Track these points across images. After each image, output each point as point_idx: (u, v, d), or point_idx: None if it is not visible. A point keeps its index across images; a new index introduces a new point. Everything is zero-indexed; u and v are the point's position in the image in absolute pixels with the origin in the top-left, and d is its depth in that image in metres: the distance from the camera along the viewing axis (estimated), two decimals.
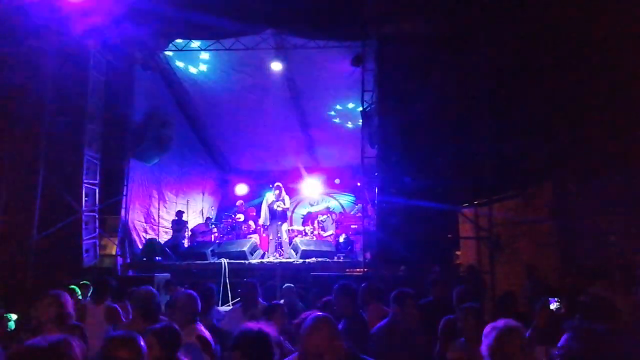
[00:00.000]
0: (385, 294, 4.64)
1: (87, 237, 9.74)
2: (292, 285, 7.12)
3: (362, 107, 9.87)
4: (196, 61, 11.74)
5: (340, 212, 14.52)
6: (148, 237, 11.57)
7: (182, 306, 3.89)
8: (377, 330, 3.97)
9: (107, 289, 5.67)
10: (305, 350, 2.34)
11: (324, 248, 11.13)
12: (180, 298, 4.04)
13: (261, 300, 5.19)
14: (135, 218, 11.44)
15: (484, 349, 2.84)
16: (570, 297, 5.33)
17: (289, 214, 13.09)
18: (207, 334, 3.77)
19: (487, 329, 2.88)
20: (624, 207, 7.13)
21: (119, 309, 5.36)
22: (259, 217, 13.29)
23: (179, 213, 12.47)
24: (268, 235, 12.18)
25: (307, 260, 10.27)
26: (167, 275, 9.16)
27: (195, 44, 10.88)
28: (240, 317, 4.76)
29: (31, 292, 7.93)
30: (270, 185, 12.00)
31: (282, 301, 6.61)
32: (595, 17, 7.29)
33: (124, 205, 10.57)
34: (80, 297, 6.34)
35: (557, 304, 4.35)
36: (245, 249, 10.72)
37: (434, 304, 5.12)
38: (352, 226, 12.88)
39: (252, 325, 2.64)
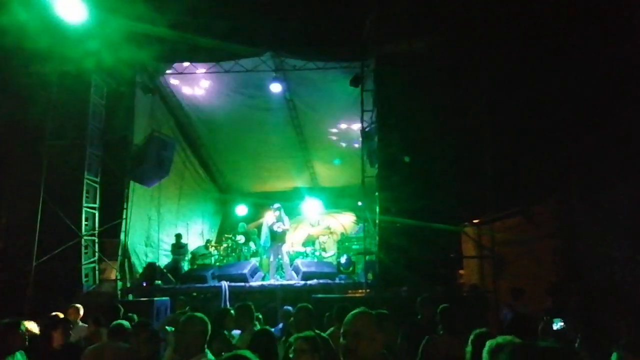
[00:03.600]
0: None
1: (87, 262, 9.68)
2: (290, 308, 7.00)
3: (362, 126, 9.90)
4: (196, 83, 11.82)
5: (342, 233, 14.44)
6: (148, 260, 11.48)
7: (194, 332, 3.48)
8: None
9: (119, 316, 5.75)
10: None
11: (326, 269, 11.02)
12: (193, 322, 3.59)
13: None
14: (135, 241, 11.36)
15: None
16: (575, 317, 5.26)
17: (288, 234, 13.00)
18: None
19: None
20: (630, 222, 7.05)
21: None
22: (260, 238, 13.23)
23: (178, 236, 12.40)
24: (269, 257, 12.08)
25: (308, 282, 10.17)
26: (166, 300, 9.05)
27: (195, 67, 10.97)
28: None
29: (30, 317, 7.82)
30: (270, 206, 11.93)
31: (280, 325, 6.51)
32: (595, 28, 7.32)
33: (123, 229, 10.50)
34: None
35: (562, 324, 4.27)
36: (245, 271, 10.62)
37: (421, 324, 5.12)
38: (354, 246, 12.79)
39: None
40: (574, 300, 7.22)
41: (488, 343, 2.85)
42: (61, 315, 6.12)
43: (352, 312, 2.48)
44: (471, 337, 3.26)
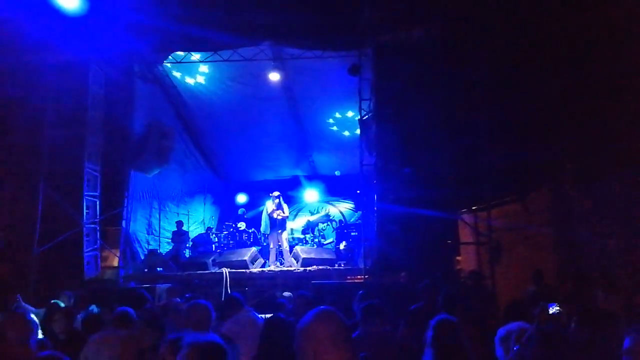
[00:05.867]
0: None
1: (89, 249, 9.77)
2: (283, 300, 7.11)
3: (360, 115, 9.95)
4: (195, 73, 11.84)
5: (340, 220, 14.57)
6: (149, 248, 11.60)
7: (197, 318, 3.53)
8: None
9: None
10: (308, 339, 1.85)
11: (325, 256, 11.17)
12: (195, 309, 3.63)
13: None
14: (137, 229, 11.48)
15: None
16: (569, 302, 5.37)
17: (288, 222, 13.14)
18: None
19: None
20: (624, 210, 7.13)
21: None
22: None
23: (179, 223, 12.52)
24: (268, 244, 12.24)
25: (308, 268, 10.30)
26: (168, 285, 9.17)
27: (194, 56, 10.99)
28: None
29: (32, 306, 7.94)
30: (270, 194, 12.05)
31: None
32: (592, 20, 7.34)
33: (125, 217, 10.61)
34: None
35: (557, 308, 4.35)
36: (246, 258, 10.75)
37: (423, 309, 5.10)
38: (352, 233, 12.93)
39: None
40: (567, 286, 7.34)
41: (499, 331, 2.89)
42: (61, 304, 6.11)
43: (312, 314, 1.88)
44: (433, 322, 3.25)
